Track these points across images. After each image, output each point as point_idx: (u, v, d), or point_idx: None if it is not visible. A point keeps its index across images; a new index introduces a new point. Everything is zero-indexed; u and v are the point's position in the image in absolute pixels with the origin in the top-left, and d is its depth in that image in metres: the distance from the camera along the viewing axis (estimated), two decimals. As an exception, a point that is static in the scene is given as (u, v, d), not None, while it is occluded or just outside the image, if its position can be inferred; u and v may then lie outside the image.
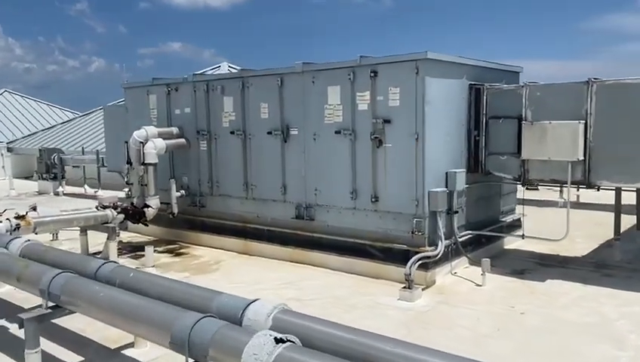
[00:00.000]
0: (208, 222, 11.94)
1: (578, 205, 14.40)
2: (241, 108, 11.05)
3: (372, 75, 9.07)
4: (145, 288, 5.44)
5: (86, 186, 22.12)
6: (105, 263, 6.21)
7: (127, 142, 11.56)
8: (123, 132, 13.52)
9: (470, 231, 9.75)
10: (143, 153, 11.26)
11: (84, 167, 22.34)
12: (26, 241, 7.42)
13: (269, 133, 10.60)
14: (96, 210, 10.96)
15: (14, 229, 9.24)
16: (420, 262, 8.37)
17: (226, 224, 11.58)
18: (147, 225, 11.61)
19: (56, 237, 12.26)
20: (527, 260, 10.13)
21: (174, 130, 12.12)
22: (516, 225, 11.42)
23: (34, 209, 10.06)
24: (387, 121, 8.98)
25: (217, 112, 11.53)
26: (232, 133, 11.24)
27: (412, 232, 8.85)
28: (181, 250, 11.68)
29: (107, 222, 10.83)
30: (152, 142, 11.42)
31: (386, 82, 8.96)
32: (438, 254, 8.64)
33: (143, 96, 12.98)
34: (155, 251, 11.57)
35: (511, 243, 11.03)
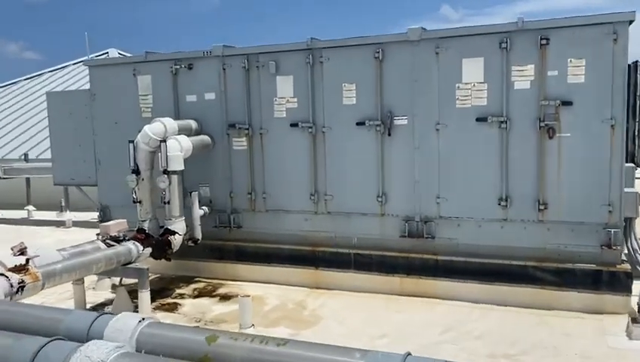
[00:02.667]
0: (249, 248, 8.74)
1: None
2: (310, 92, 8.09)
3: (542, 42, 6.84)
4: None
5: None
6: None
7: (132, 142, 7.92)
8: (84, 128, 9.68)
9: (621, 239, 7.99)
10: (167, 156, 7.76)
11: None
12: (143, 321, 3.98)
13: (360, 123, 7.83)
14: (106, 245, 7.27)
15: (18, 290, 5.49)
16: (647, 286, 6.38)
17: (282, 249, 8.52)
18: (170, 260, 8.10)
19: None
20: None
21: (193, 123, 8.69)
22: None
23: (22, 252, 6.22)
24: (566, 103, 6.82)
25: (266, 98, 8.40)
26: (295, 125, 8.22)
27: (607, 246, 6.81)
28: (220, 290, 8.36)
29: (130, 262, 7.24)
30: (176, 140, 7.95)
31: (564, 51, 6.79)
32: (647, 273, 6.73)
33: (126, 77, 9.24)
34: (178, 294, 8.20)
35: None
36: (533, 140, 7.03)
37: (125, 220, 7.81)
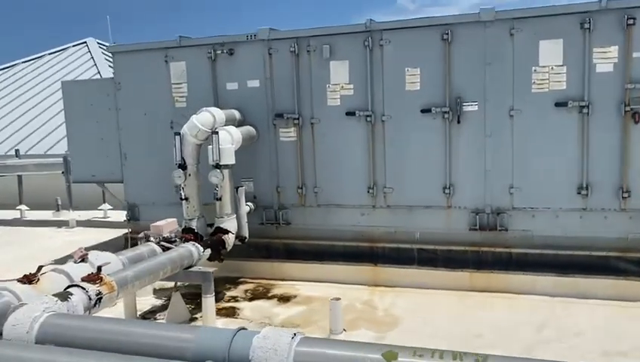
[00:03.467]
0: (299, 246, 8.22)
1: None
2: (368, 78, 7.58)
3: (628, 22, 6.52)
4: None
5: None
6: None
7: (178, 135, 7.26)
8: (107, 121, 8.94)
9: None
10: (219, 149, 7.14)
11: None
12: (295, 337, 3.44)
13: (426, 111, 7.37)
14: (161, 247, 6.61)
15: (95, 303, 4.84)
16: None
17: (336, 246, 8.03)
18: (222, 261, 7.48)
19: None
20: None
21: (236, 113, 8.07)
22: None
23: (83, 259, 5.55)
24: (654, 86, 6.53)
25: (318, 85, 7.85)
26: (352, 114, 7.70)
27: (697, 234, 6.59)
28: (274, 291, 7.80)
29: (191, 265, 6.62)
30: (227, 132, 7.35)
31: (652, 32, 6.50)
32: None
33: (156, 64, 8.53)
34: (231, 297, 7.63)
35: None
36: (617, 125, 6.73)
37: (175, 219, 7.15)
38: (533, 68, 6.93)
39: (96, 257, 5.64)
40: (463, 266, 7.45)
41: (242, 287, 8.02)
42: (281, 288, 7.91)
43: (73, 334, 3.94)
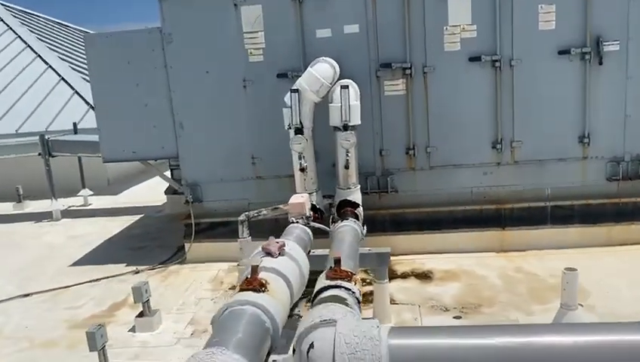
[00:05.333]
0: (410, 215, 7.23)
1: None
2: (494, 17, 6.65)
3: None
4: None
5: None
6: None
7: (295, 91, 5.92)
8: (153, 82, 7.30)
9: None
10: (349, 106, 5.92)
11: None
12: None
13: (564, 52, 6.63)
14: (309, 228, 5.34)
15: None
16: None
17: (455, 211, 7.16)
18: (349, 240, 6.31)
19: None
20: None
21: (336, 65, 6.80)
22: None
23: (281, 252, 4.26)
24: None
25: (432, 28, 6.78)
26: (476, 59, 6.76)
27: None
28: (398, 268, 6.81)
29: (356, 248, 5.43)
30: (353, 87, 6.13)
31: None
32: None
33: (221, 9, 6.96)
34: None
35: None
36: None
37: (308, 195, 5.85)
38: (685, 1, 6.42)
39: (290, 248, 4.35)
40: (601, 220, 6.92)
41: (357, 268, 6.91)
42: (403, 264, 6.93)
43: (449, 355, 2.78)
